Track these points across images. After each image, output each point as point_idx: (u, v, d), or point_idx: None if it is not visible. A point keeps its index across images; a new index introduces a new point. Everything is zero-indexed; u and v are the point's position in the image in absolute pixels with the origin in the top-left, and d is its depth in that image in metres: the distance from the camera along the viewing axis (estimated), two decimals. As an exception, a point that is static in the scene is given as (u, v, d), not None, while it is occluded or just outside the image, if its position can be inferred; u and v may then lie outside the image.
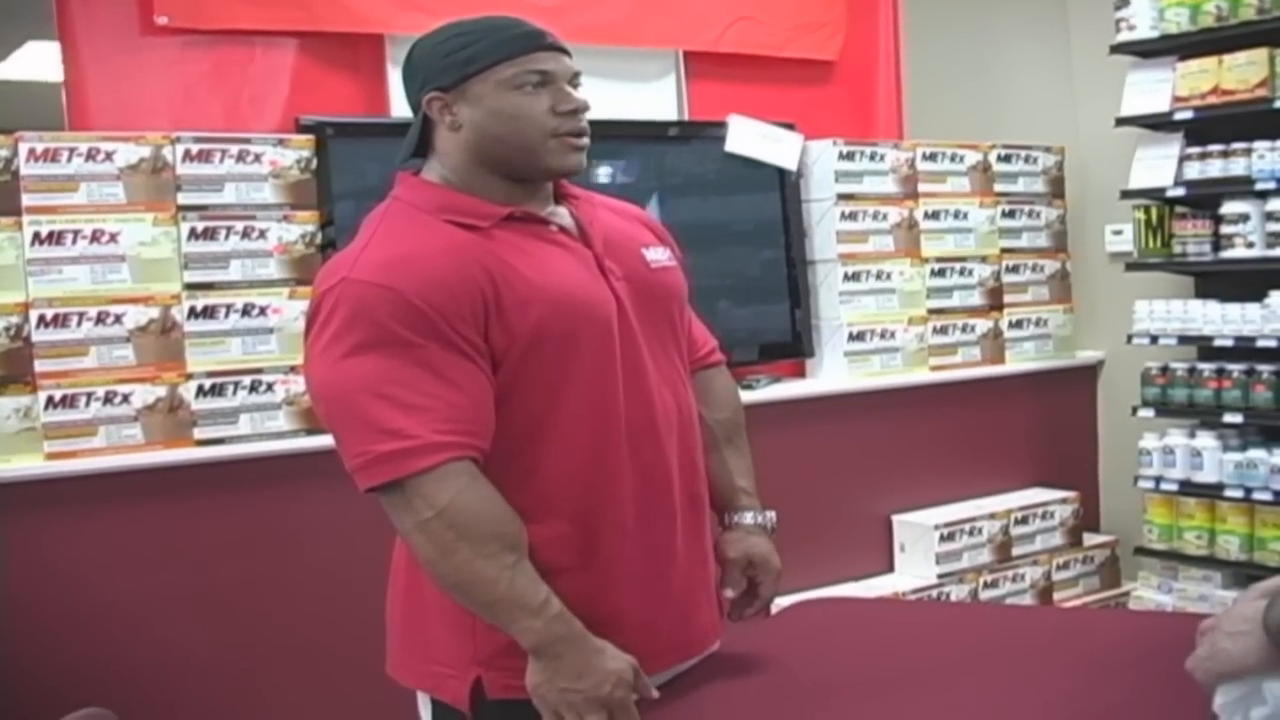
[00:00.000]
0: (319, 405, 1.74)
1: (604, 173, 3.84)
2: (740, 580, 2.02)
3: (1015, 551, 4.30)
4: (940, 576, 4.13)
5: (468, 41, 1.80)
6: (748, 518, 2.06)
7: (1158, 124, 4.17)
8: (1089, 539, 4.53)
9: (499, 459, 1.73)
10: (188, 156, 3.20)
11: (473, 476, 1.69)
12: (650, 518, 1.85)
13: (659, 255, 1.96)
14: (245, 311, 3.25)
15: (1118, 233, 4.65)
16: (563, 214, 1.90)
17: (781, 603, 2.17)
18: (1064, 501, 4.45)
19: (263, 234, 3.28)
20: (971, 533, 4.19)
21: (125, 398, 3.09)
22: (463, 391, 1.69)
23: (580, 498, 1.79)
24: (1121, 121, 4.21)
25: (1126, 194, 4.22)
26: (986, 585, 4.23)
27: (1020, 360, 4.58)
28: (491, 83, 1.79)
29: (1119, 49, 4.23)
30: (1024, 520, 4.33)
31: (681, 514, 1.90)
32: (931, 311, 4.37)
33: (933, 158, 4.39)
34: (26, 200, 3.03)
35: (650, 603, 1.86)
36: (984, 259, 4.50)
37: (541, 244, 1.82)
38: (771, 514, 2.09)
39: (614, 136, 3.72)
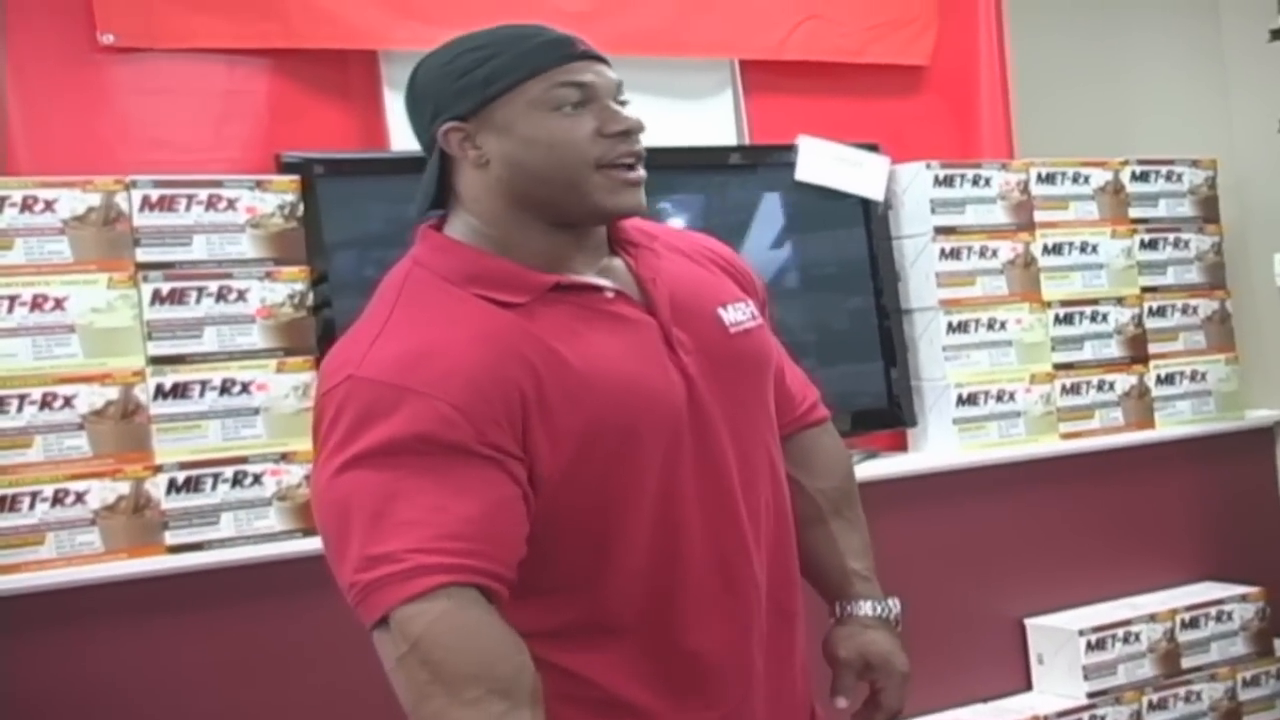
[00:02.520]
0: (318, 527, 1.74)
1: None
2: (853, 685, 2.02)
3: (1186, 663, 4.23)
4: (1091, 695, 4.07)
5: (485, 57, 1.78)
6: (864, 607, 2.06)
7: (1335, 125, 4.17)
8: (1282, 646, 4.47)
9: (547, 582, 1.73)
10: (146, 204, 3.22)
11: (460, 602, 1.62)
12: (736, 643, 1.86)
13: (739, 315, 1.93)
14: (224, 389, 3.26)
15: (1290, 262, 4.63)
16: (619, 270, 1.88)
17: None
18: (1244, 599, 4.38)
19: (242, 295, 3.29)
20: (1127, 639, 4.13)
21: (79, 497, 3.10)
22: (478, 502, 1.65)
23: (649, 620, 1.79)
24: (1287, 123, 4.22)
25: (1299, 213, 4.23)
26: (1152, 707, 4.16)
27: (1174, 424, 4.54)
28: (521, 104, 1.76)
29: (1283, 34, 4.24)
30: (1194, 623, 4.26)
31: (770, 633, 1.90)
32: (1059, 367, 4.36)
33: (1051, 179, 4.40)
34: (-53, 262, 3.05)
35: None
36: (1121, 300, 4.49)
37: (594, 319, 1.80)
38: (894, 603, 2.09)
39: (660, 167, 3.66)
